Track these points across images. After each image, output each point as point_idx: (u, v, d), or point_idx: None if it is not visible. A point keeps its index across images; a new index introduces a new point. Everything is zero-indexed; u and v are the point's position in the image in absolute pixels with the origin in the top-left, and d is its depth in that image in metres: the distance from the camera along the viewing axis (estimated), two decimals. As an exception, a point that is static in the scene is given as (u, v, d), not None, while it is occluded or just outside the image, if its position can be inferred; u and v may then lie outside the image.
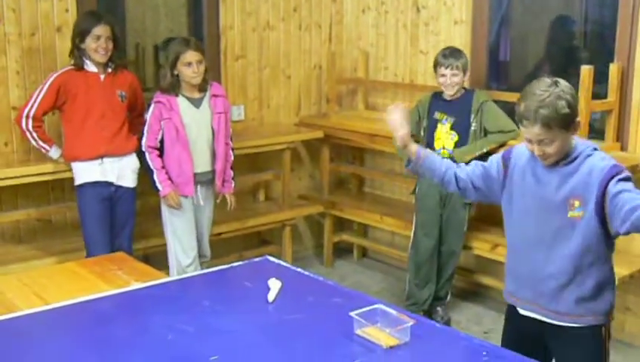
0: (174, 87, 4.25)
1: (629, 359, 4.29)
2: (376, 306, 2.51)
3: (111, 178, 4.25)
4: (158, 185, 4.29)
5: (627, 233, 2.45)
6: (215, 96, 4.38)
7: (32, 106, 4.11)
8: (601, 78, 4.34)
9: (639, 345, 4.44)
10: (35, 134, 4.15)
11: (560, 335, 2.73)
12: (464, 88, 4.59)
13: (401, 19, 5.53)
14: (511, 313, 2.89)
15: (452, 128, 4.54)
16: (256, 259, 3.31)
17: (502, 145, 4.43)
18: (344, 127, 5.46)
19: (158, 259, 4.58)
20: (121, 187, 4.30)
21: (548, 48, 5.17)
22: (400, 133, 2.88)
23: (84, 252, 4.28)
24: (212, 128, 4.37)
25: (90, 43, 4.12)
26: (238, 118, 5.38)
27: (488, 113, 4.50)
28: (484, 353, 2.35)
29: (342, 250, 6.07)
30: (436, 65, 4.55)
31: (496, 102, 4.63)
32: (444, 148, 4.54)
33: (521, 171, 2.73)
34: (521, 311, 2.81)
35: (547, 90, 2.52)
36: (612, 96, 4.31)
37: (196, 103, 4.31)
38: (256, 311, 2.69)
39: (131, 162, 4.33)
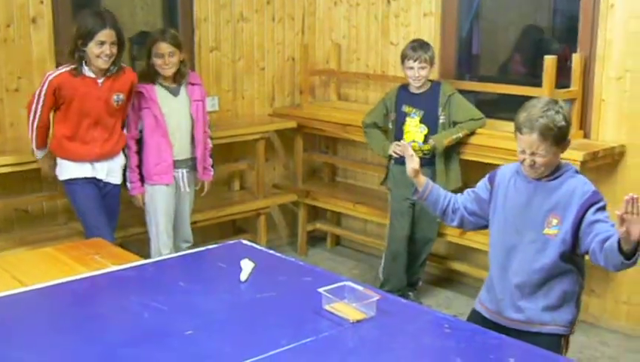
0: (151, 76, 4.33)
1: (592, 338, 4.45)
2: (343, 283, 2.62)
3: (100, 175, 4.23)
4: (128, 183, 4.39)
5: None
6: (192, 84, 4.46)
7: (34, 117, 4.01)
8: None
9: (601, 325, 4.60)
10: (35, 133, 4.07)
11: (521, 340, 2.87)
12: (430, 80, 4.69)
13: (372, 11, 5.63)
14: (474, 316, 3.01)
15: (421, 121, 4.64)
16: (231, 242, 3.41)
17: (472, 133, 4.58)
18: (317, 118, 5.55)
19: (134, 247, 4.62)
20: (108, 183, 4.29)
21: (518, 40, 5.29)
22: (412, 166, 3.03)
23: (61, 241, 4.28)
24: (191, 116, 4.45)
25: (92, 48, 3.94)
26: (212, 109, 5.43)
27: (457, 105, 4.61)
28: (446, 326, 2.47)
29: (316, 239, 6.17)
30: (404, 58, 4.62)
31: (465, 92, 4.76)
32: (414, 141, 4.61)
33: (505, 186, 2.90)
34: (486, 316, 2.95)
35: (547, 105, 2.72)
36: (575, 85, 4.44)
37: (174, 92, 4.39)
38: (230, 290, 2.78)
39: (119, 160, 4.33)
